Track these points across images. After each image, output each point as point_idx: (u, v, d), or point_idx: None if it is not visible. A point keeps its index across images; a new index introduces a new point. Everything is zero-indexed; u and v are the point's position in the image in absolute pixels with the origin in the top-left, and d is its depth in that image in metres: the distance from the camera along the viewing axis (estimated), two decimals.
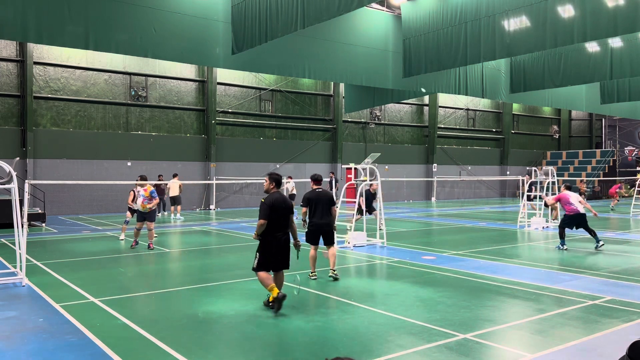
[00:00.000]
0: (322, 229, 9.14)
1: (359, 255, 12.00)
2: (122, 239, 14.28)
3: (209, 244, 14.26)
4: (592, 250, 12.72)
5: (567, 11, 13.38)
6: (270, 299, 7.01)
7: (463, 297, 7.95)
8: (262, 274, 7.12)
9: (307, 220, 9.20)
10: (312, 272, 9.30)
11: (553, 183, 18.41)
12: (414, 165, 34.69)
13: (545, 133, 42.98)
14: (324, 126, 30.77)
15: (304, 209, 9.15)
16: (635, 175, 32.97)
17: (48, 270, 10.04)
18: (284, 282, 7.51)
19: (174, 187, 20.97)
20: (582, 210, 12.71)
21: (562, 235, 12.79)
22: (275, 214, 7.05)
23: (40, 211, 18.84)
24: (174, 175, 21.63)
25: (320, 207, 9.09)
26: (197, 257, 12.25)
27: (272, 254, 7.10)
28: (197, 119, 26.65)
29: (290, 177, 24.15)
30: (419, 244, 13.81)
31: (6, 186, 8.78)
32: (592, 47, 18.12)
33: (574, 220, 12.78)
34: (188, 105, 26.31)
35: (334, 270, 9.20)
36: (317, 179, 9.37)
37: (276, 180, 7.28)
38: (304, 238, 9.16)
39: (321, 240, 9.26)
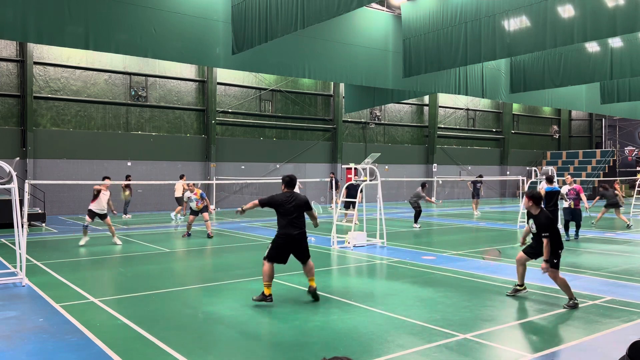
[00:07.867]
0: None
1: (359, 255, 12.00)
2: (119, 244, 13.84)
3: (209, 244, 14.25)
4: (592, 250, 12.73)
5: (567, 11, 13.38)
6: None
7: (463, 297, 7.95)
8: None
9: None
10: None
11: None
12: (414, 165, 34.68)
13: (545, 133, 42.95)
14: (324, 126, 30.76)
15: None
16: (635, 176, 32.95)
17: (48, 270, 10.04)
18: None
19: (178, 189, 20.98)
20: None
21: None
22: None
23: (40, 211, 18.84)
24: (181, 177, 21.60)
25: None
26: (197, 257, 12.26)
27: None
28: (197, 119, 26.64)
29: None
30: (419, 244, 13.81)
31: (6, 186, 8.78)
32: (592, 47, 18.10)
33: None
34: (188, 105, 26.30)
35: None
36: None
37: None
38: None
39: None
